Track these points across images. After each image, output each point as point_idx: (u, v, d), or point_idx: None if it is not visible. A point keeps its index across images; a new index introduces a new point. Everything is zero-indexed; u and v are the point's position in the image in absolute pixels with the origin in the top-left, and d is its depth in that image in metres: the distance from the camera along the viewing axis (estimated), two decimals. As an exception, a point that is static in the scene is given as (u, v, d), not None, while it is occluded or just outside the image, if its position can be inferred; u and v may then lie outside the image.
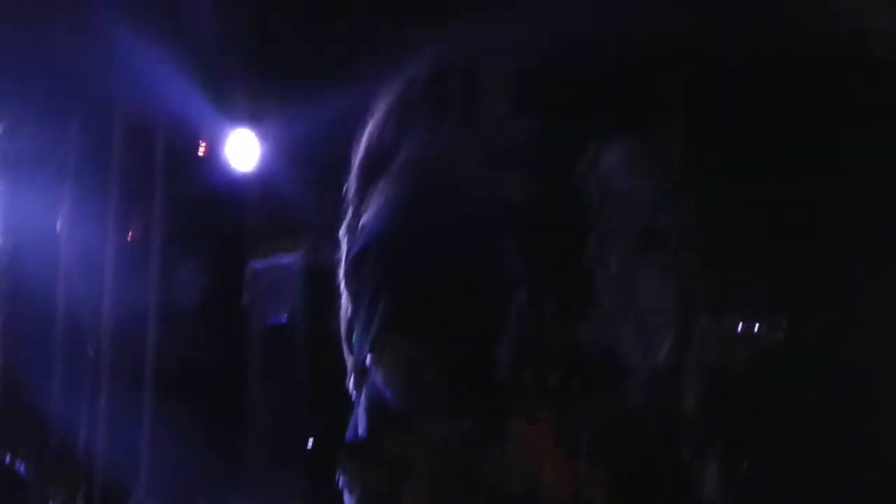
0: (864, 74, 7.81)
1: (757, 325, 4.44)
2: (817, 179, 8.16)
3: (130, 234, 8.48)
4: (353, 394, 3.84)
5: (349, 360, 3.84)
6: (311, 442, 3.90)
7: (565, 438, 3.79)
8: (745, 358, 4.38)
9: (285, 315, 7.19)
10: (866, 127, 8.02)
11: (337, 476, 3.63)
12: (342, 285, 3.81)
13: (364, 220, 3.80)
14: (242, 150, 8.38)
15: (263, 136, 8.39)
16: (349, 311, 3.80)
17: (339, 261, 3.85)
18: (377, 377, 3.66)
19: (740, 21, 7.49)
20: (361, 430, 3.76)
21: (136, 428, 8.19)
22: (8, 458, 7.57)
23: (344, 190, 3.91)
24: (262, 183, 8.48)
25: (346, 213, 3.88)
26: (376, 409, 3.71)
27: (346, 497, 3.73)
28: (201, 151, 8.45)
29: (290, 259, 7.28)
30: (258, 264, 7.58)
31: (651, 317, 3.88)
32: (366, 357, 3.67)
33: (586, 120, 3.87)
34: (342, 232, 3.86)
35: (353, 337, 3.78)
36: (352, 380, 3.84)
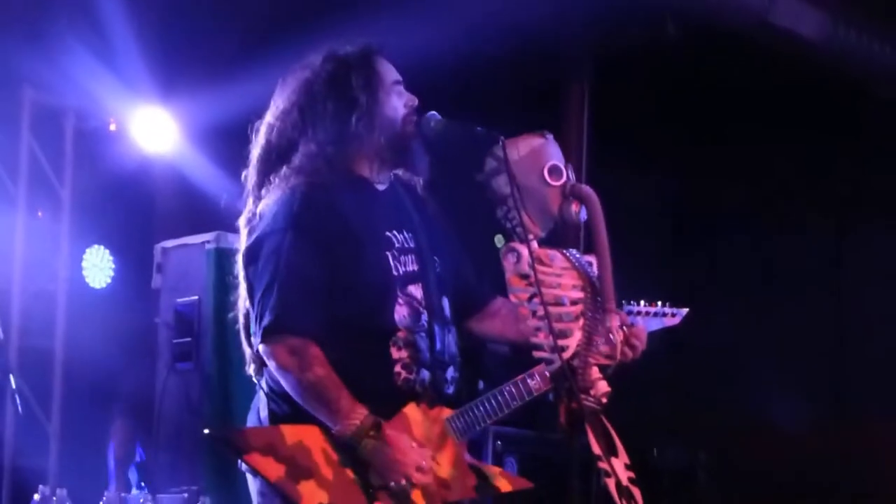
0: (769, 65, 7.93)
1: (662, 317, 4.47)
2: (721, 175, 8.29)
3: (40, 213, 8.43)
4: (255, 379, 3.86)
5: (247, 349, 3.84)
6: (208, 429, 3.91)
7: (462, 431, 3.82)
8: (650, 350, 4.41)
9: (195, 298, 7.16)
10: (773, 121, 8.16)
11: (239, 461, 3.65)
12: (240, 275, 3.81)
13: (261, 209, 3.78)
14: (153, 130, 8.34)
15: (175, 117, 8.35)
16: (246, 301, 3.80)
17: (236, 250, 3.86)
18: (271, 366, 3.67)
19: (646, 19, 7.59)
20: (262, 416, 3.78)
21: (45, 414, 8.16)
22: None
23: (243, 178, 3.90)
24: (173, 163, 8.45)
25: (244, 203, 3.87)
26: (275, 396, 3.74)
27: (250, 481, 3.75)
28: (111, 130, 8.40)
29: (200, 241, 7.25)
30: (168, 245, 7.53)
31: (560, 311, 3.91)
32: (258, 346, 3.68)
33: (491, 114, 3.88)
34: (242, 221, 3.86)
35: (250, 326, 3.79)
36: (252, 367, 3.85)
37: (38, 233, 8.38)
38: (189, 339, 7.11)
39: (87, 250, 8.47)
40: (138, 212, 8.51)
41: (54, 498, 6.63)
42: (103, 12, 7.66)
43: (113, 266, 8.52)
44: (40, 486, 6.76)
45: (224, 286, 6.99)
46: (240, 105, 7.29)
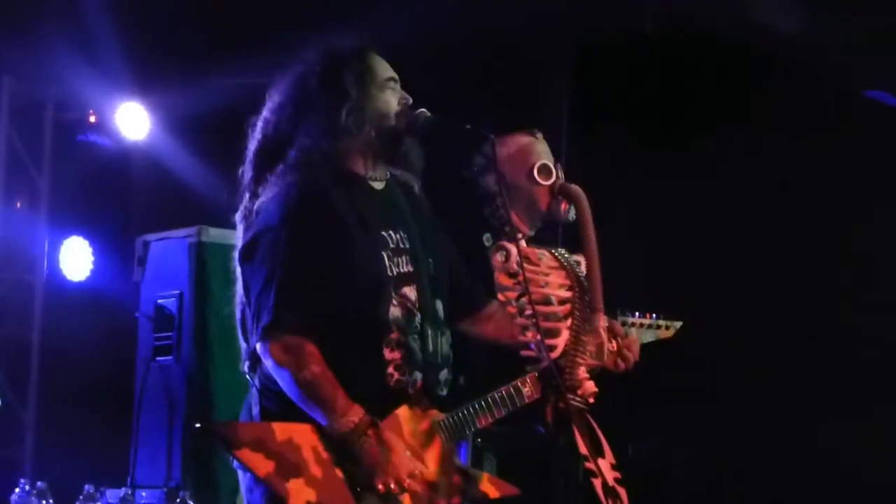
0: (759, 72, 7.94)
1: (656, 329, 4.47)
2: (706, 178, 8.26)
3: (19, 204, 8.40)
4: (248, 377, 3.87)
5: (243, 345, 3.84)
6: (200, 423, 3.90)
7: (452, 434, 3.83)
8: (638, 353, 4.40)
9: (176, 292, 7.15)
10: (760, 126, 8.13)
11: (230, 457, 3.65)
12: (236, 271, 3.81)
13: (258, 206, 3.78)
14: (132, 122, 8.33)
15: (154, 109, 8.34)
16: (242, 297, 3.79)
17: (233, 246, 3.86)
18: (267, 364, 3.67)
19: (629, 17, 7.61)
20: (255, 412, 3.78)
21: (21, 409, 8.13)
22: None
23: (240, 174, 3.91)
24: (152, 155, 8.43)
25: (241, 199, 3.87)
26: (268, 394, 3.74)
27: (240, 476, 3.76)
28: (91, 122, 8.38)
29: (182, 234, 7.23)
30: (150, 238, 7.51)
31: (548, 310, 3.91)
32: (256, 344, 3.68)
33: (478, 115, 3.89)
34: (238, 217, 3.86)
35: (246, 323, 3.79)
36: (246, 364, 3.85)
37: (15, 223, 8.36)
38: (170, 333, 7.10)
39: (66, 242, 8.45)
40: (118, 204, 8.50)
41: (35, 491, 6.62)
42: (83, 4, 7.65)
43: (92, 258, 8.49)
44: (21, 480, 6.75)
45: (205, 280, 7.08)
46: (220, 98, 7.37)
